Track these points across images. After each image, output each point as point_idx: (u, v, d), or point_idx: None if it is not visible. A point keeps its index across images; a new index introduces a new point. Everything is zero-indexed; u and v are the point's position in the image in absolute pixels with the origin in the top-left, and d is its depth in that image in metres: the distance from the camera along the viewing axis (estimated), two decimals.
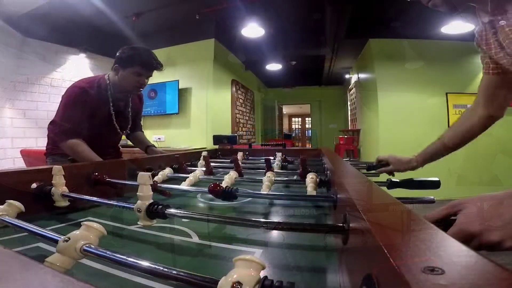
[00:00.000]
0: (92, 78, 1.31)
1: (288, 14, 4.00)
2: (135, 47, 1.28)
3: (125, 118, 1.41)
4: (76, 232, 0.32)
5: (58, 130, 1.19)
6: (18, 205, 0.48)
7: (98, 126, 1.28)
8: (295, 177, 0.98)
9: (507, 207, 0.37)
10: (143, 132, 1.67)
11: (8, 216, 0.45)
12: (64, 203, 0.66)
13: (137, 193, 0.50)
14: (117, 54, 1.26)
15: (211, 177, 1.02)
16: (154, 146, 1.57)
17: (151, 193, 0.51)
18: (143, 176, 0.51)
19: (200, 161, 1.31)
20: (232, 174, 0.87)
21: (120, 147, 1.62)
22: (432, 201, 0.63)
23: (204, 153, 1.28)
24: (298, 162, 1.08)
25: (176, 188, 0.79)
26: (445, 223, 0.41)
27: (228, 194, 0.62)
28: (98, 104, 1.26)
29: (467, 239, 0.36)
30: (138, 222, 0.50)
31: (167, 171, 0.99)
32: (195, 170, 0.94)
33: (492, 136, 3.97)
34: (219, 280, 0.23)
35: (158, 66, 1.31)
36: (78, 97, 1.20)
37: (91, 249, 0.31)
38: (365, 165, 1.18)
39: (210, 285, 0.24)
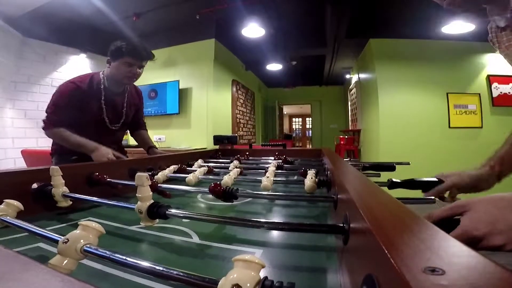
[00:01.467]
0: (87, 74, 1.35)
1: (288, 14, 4.00)
2: (125, 38, 1.32)
3: (117, 113, 1.41)
4: (75, 232, 0.32)
5: (46, 119, 1.24)
6: (16, 204, 0.47)
7: (89, 120, 1.31)
8: (295, 177, 0.98)
9: None
10: (146, 130, 1.67)
11: (8, 216, 0.45)
12: (66, 203, 0.66)
13: (136, 195, 0.50)
14: (109, 47, 1.31)
15: (210, 176, 1.02)
16: (155, 147, 1.57)
17: (151, 193, 0.51)
18: (141, 177, 0.50)
19: (198, 162, 1.31)
20: (232, 174, 0.87)
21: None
22: (432, 201, 0.63)
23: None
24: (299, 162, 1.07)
25: (176, 188, 0.79)
26: (449, 222, 0.41)
27: (228, 195, 0.62)
28: (88, 98, 1.28)
29: (470, 242, 0.36)
30: (141, 223, 0.50)
31: (167, 171, 0.99)
32: (195, 170, 0.94)
33: (495, 136, 3.97)
34: (219, 281, 0.23)
35: (150, 56, 1.34)
36: (66, 91, 1.24)
37: (91, 249, 0.31)
38: (362, 165, 1.16)
39: (210, 285, 0.24)
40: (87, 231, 0.33)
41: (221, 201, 0.66)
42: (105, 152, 1.18)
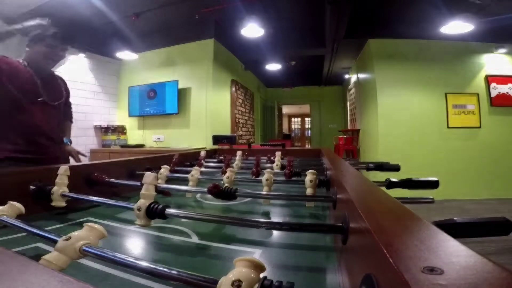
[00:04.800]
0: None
1: (288, 14, 4.00)
2: (42, 24, 1.31)
3: (54, 91, 1.38)
4: (78, 232, 0.33)
5: None
6: (19, 206, 0.47)
7: (22, 96, 1.24)
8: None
9: None
10: (72, 122, 1.64)
11: (7, 217, 0.45)
12: (62, 203, 0.65)
13: (141, 192, 0.50)
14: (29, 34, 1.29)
15: (206, 176, 1.01)
16: (68, 143, 1.53)
17: (154, 193, 0.51)
18: (150, 176, 0.52)
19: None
20: (231, 174, 0.86)
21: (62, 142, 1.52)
22: (431, 201, 0.63)
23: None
24: (286, 163, 1.05)
25: (176, 188, 0.79)
26: (447, 224, 0.41)
27: (227, 194, 0.62)
28: (15, 73, 1.23)
29: None
30: (136, 222, 0.47)
31: (166, 172, 0.99)
32: (191, 170, 0.93)
33: (493, 135, 3.97)
34: (219, 280, 0.23)
35: (71, 39, 1.36)
36: None
37: (90, 249, 0.31)
38: (367, 165, 1.15)
39: (210, 285, 0.24)
40: (90, 232, 0.33)
41: (220, 199, 0.66)
42: None
